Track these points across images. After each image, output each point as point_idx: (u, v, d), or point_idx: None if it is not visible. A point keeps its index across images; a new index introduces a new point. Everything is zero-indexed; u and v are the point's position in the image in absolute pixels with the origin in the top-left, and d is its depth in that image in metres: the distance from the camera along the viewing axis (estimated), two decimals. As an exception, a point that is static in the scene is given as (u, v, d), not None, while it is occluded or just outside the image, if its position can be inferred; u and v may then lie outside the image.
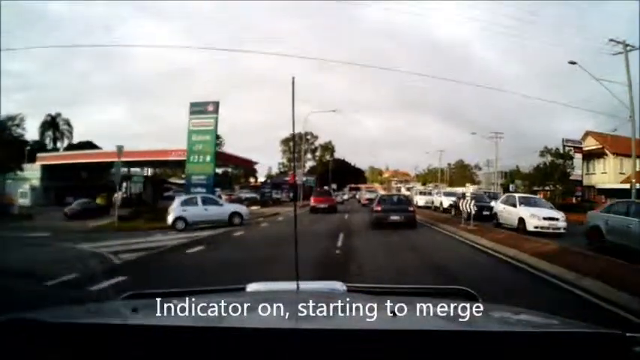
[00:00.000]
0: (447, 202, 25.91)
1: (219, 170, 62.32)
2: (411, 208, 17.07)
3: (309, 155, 71.61)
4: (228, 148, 48.51)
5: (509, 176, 49.13)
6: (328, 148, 73.12)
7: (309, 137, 71.06)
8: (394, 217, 16.08)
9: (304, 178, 49.07)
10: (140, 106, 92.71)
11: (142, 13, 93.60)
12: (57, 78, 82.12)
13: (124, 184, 36.01)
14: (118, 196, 34.33)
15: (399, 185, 48.74)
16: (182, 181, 49.31)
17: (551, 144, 35.24)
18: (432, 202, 29.50)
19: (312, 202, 26.83)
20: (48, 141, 55.32)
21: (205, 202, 18.23)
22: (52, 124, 56.19)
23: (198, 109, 21.83)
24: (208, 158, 21.71)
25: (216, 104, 21.66)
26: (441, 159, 62.60)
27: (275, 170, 70.37)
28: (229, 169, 61.70)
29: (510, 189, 39.73)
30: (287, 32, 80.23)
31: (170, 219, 17.06)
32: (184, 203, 17.80)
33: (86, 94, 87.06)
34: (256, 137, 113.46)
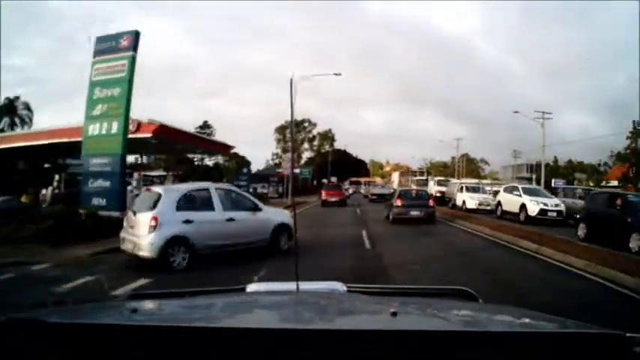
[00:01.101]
0: (534, 206, 16.37)
1: (209, 162, 54.65)
2: (431, 204, 17.01)
3: (306, 145, 63.31)
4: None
5: (536, 170, 41.17)
6: (327, 136, 64.59)
7: (306, 124, 62.73)
8: (414, 213, 16.06)
9: (297, 170, 40.76)
10: (136, 101, 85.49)
11: (141, 8, 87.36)
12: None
13: (56, 177, 27.77)
14: (47, 192, 26.02)
15: (421, 178, 39.23)
16: (160, 173, 40.36)
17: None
18: (499, 205, 18.93)
19: (323, 195, 28.08)
20: (5, 127, 48.50)
21: (228, 203, 8.79)
22: (9, 108, 49.44)
23: (106, 46, 12.62)
24: (116, 127, 12.11)
25: (135, 36, 12.36)
26: (458, 149, 54.63)
27: (270, 162, 62.93)
28: (220, 161, 53.49)
29: (555, 185, 31.31)
30: (287, 26, 75.37)
31: (154, 243, 7.53)
32: (184, 204, 8.14)
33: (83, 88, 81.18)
34: (255, 131, 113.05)
